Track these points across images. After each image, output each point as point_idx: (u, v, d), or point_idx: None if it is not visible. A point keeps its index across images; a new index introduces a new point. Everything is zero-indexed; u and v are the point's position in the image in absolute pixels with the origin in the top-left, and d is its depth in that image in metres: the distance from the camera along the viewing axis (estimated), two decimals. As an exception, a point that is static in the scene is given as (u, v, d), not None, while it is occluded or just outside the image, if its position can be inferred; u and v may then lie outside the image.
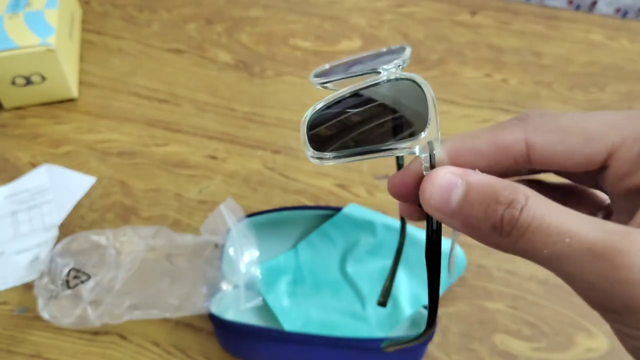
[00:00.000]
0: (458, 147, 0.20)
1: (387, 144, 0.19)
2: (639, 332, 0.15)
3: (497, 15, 0.68)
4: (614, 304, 0.15)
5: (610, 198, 0.20)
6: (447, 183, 0.17)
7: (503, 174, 0.20)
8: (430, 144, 0.19)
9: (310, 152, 0.20)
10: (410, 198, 0.20)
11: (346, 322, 0.43)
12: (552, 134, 0.19)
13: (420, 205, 0.19)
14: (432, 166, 0.19)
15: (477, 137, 0.20)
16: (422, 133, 0.19)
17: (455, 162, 0.19)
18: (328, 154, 0.20)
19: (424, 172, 0.19)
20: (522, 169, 0.21)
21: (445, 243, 0.44)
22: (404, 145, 0.19)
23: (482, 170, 0.19)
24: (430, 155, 0.19)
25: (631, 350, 0.16)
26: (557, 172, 0.22)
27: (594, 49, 0.66)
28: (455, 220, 0.17)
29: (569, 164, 0.19)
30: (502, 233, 0.16)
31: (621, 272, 0.15)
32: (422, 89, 0.20)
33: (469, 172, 0.18)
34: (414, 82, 0.21)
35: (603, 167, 0.19)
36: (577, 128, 0.18)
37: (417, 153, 0.19)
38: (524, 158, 0.19)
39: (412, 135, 0.19)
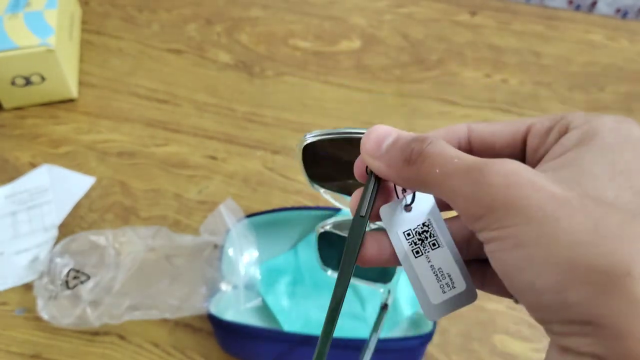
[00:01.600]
0: (476, 125, 0.23)
1: None
2: (495, 233, 0.17)
3: (497, 15, 0.68)
4: (480, 209, 0.18)
5: None
6: (383, 132, 0.21)
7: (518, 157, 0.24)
8: None
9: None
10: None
11: (346, 323, 0.43)
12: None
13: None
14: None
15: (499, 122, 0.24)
16: None
17: (474, 137, 0.23)
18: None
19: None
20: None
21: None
22: None
23: (499, 146, 0.23)
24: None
25: (491, 256, 0.18)
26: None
27: (594, 49, 0.66)
28: (381, 163, 0.21)
29: (498, 141, 0.23)
30: (409, 162, 0.20)
31: (487, 177, 0.18)
32: None
33: (404, 132, 0.21)
34: None
35: (524, 144, 0.22)
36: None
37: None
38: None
39: None
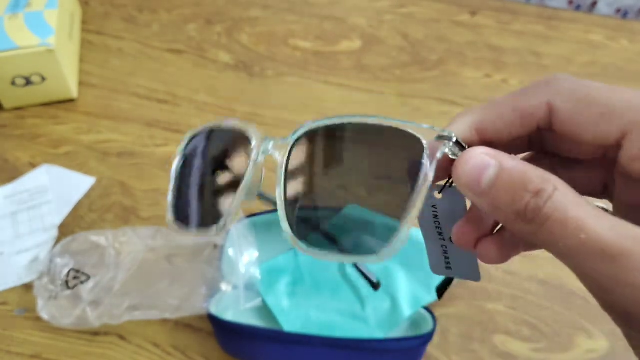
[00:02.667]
0: (483, 119, 0.20)
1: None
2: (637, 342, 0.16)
3: (497, 15, 0.68)
4: (621, 307, 0.15)
5: (617, 180, 0.20)
6: (480, 163, 0.18)
7: (525, 144, 0.21)
8: (441, 137, 0.19)
9: None
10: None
11: (345, 323, 0.43)
12: (575, 102, 0.19)
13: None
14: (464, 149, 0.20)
15: (501, 104, 0.20)
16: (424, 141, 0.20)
17: (482, 134, 0.20)
18: None
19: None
20: (545, 138, 0.21)
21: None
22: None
23: (507, 139, 0.19)
24: (452, 143, 0.19)
25: (638, 354, 0.17)
26: (569, 150, 0.22)
27: (594, 49, 0.65)
28: (483, 200, 0.18)
29: (585, 136, 0.19)
30: (524, 219, 0.17)
31: (629, 276, 0.15)
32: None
33: (503, 155, 0.18)
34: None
35: (617, 146, 0.19)
36: (601, 99, 0.18)
37: (439, 155, 0.19)
38: (546, 124, 0.19)
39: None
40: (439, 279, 0.44)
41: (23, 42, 0.54)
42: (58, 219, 0.51)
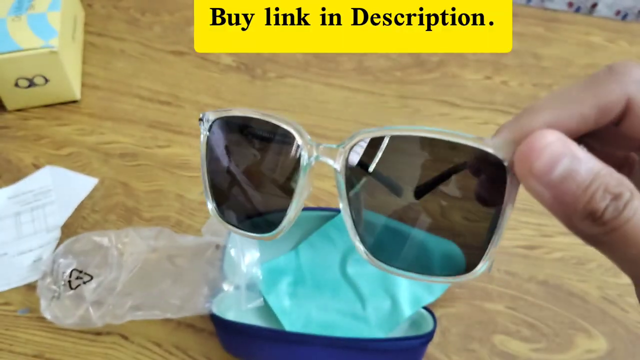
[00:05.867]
0: (559, 120, 0.18)
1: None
2: None
3: (498, 17, 0.69)
4: None
5: None
6: (558, 150, 0.16)
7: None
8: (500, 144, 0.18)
9: None
10: None
11: (346, 323, 0.43)
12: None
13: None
14: None
15: (578, 101, 0.18)
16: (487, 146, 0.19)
17: (556, 128, 0.18)
18: None
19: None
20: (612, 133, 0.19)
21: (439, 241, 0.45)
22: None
23: (581, 133, 0.18)
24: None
25: None
26: (617, 145, 0.20)
27: (594, 51, 0.66)
28: (550, 192, 0.16)
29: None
30: (596, 221, 0.16)
31: None
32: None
33: (576, 146, 0.16)
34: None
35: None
36: None
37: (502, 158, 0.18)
38: (618, 121, 0.18)
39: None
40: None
41: (26, 43, 0.54)
42: (61, 219, 0.51)
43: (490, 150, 0.18)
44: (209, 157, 0.28)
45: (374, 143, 0.22)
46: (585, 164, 0.16)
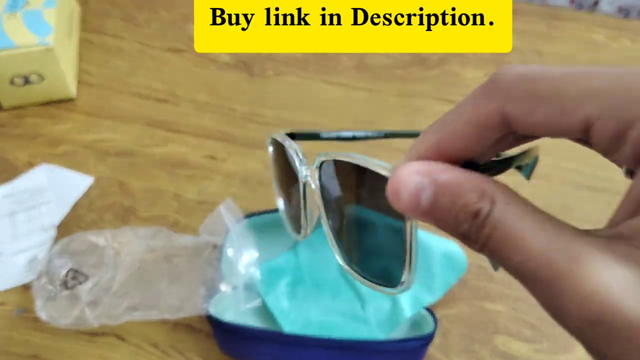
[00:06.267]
0: (439, 142, 0.18)
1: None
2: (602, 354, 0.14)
3: (498, 14, 0.68)
4: (570, 327, 0.14)
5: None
6: (414, 186, 0.16)
7: (501, 144, 0.19)
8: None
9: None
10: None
11: (346, 324, 0.43)
12: (526, 102, 0.16)
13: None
14: None
15: (452, 120, 0.18)
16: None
17: (445, 157, 0.18)
18: None
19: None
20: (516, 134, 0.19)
21: (440, 241, 0.44)
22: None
23: (475, 154, 0.18)
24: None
25: None
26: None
27: (596, 48, 0.65)
28: (429, 219, 0.17)
29: (551, 133, 0.17)
30: (470, 242, 0.16)
31: (564, 300, 0.14)
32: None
33: (437, 168, 0.17)
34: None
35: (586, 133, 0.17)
36: (553, 94, 0.16)
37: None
38: (507, 126, 0.17)
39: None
40: (440, 280, 0.44)
41: (22, 41, 0.54)
42: (57, 218, 0.50)
43: (386, 174, 0.19)
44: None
45: (330, 167, 0.23)
46: (445, 187, 0.16)
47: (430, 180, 0.16)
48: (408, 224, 0.19)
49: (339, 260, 0.25)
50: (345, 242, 0.24)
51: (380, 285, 0.23)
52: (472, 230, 0.16)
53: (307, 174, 0.26)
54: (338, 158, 0.22)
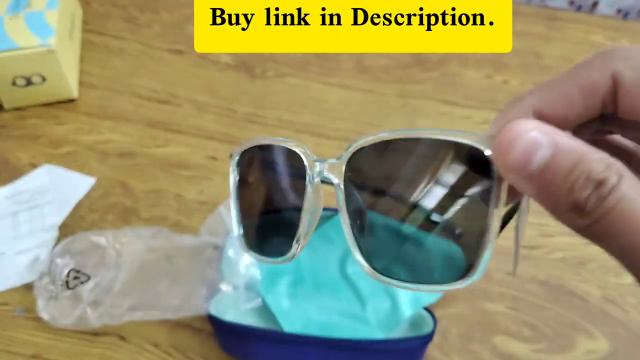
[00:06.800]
0: (542, 102, 0.17)
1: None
2: None
3: (498, 16, 0.68)
4: None
5: None
6: (531, 141, 0.15)
7: (590, 128, 0.18)
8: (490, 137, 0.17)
9: None
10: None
11: (346, 323, 0.43)
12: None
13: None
14: None
15: (561, 81, 0.17)
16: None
17: (544, 117, 0.17)
18: None
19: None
20: (608, 117, 0.18)
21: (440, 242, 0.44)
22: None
23: (572, 121, 0.17)
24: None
25: None
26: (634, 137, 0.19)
27: (595, 49, 0.65)
28: (532, 185, 0.15)
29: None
30: (581, 212, 0.15)
31: None
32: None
33: (558, 132, 0.15)
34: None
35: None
36: None
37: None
38: (611, 100, 0.17)
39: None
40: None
41: (23, 42, 0.54)
42: (58, 219, 0.51)
43: (473, 143, 0.17)
44: (236, 190, 0.28)
45: (370, 151, 0.21)
46: (567, 151, 0.15)
47: (549, 139, 0.15)
48: (496, 201, 0.17)
49: (361, 260, 0.22)
50: (376, 242, 0.22)
51: (434, 284, 0.21)
52: (591, 198, 0.14)
53: (321, 169, 0.23)
54: (401, 136, 0.19)
